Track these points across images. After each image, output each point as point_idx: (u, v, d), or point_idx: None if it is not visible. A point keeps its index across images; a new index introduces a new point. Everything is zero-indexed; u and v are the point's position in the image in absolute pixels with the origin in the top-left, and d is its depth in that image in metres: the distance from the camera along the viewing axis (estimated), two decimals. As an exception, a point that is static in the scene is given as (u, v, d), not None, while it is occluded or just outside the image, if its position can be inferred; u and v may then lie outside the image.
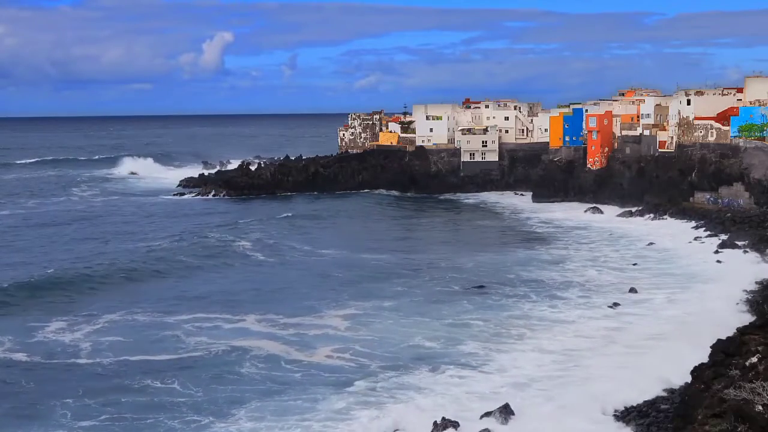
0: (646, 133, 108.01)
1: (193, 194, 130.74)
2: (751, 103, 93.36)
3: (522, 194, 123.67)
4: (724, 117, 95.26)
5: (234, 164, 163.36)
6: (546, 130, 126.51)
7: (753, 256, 68.63)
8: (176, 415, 38.25)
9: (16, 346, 48.67)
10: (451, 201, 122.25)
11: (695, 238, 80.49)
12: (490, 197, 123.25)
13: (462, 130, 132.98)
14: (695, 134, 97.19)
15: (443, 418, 35.71)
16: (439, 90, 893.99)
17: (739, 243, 73.11)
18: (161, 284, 65.81)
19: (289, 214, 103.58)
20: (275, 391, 41.15)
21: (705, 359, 37.00)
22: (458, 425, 35.29)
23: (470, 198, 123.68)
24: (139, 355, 46.90)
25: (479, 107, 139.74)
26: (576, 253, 77.16)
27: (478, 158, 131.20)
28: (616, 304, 56.63)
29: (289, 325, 52.88)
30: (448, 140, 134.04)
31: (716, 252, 72.23)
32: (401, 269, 70.71)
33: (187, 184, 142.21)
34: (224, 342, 49.17)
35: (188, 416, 38.26)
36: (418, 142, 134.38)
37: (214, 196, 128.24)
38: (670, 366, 42.12)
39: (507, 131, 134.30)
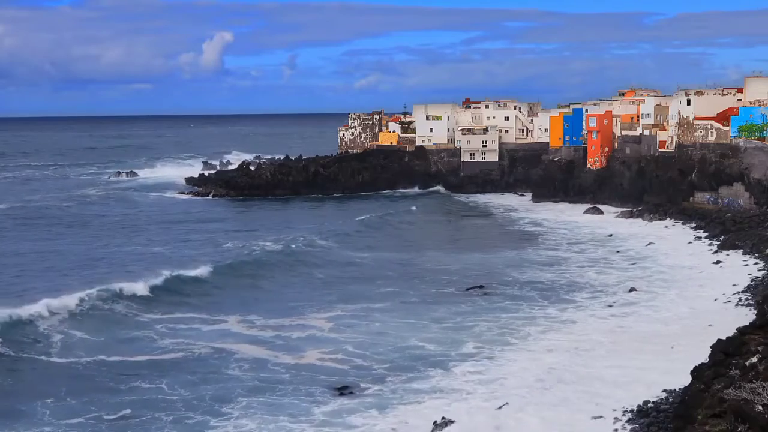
0: (646, 133, 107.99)
1: (193, 194, 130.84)
2: (751, 103, 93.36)
3: (522, 194, 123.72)
4: (724, 117, 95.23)
5: (234, 164, 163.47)
6: (546, 130, 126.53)
7: (753, 256, 68.58)
8: (172, 413, 38.07)
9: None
10: (450, 200, 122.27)
11: (695, 238, 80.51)
12: (490, 197, 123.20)
13: (462, 130, 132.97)
14: (695, 134, 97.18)
15: (443, 418, 35.71)
16: (439, 90, 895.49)
17: (739, 243, 73.06)
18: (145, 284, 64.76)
19: (363, 217, 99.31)
20: (267, 391, 40.89)
21: (705, 359, 36.99)
22: (459, 425, 35.28)
23: (470, 198, 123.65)
24: (116, 356, 46.49)
25: (479, 107, 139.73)
26: (575, 254, 77.16)
27: (478, 158, 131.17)
28: (615, 304, 56.67)
29: (270, 326, 52.56)
30: (448, 140, 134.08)
31: (716, 252, 72.26)
32: (410, 270, 70.93)
33: (187, 184, 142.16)
34: (214, 342, 49.04)
35: (182, 413, 38.17)
36: (418, 142, 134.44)
37: (213, 196, 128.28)
38: (670, 366, 42.16)
39: (507, 131, 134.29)
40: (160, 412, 38.22)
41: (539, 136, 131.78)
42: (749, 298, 54.43)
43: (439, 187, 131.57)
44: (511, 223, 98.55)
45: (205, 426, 36.87)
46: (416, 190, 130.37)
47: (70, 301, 54.64)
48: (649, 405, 36.47)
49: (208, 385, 41.73)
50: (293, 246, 79.27)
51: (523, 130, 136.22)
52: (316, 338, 50.15)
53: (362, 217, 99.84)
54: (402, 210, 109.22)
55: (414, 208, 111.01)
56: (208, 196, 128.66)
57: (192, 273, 65.24)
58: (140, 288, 59.28)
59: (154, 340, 49.76)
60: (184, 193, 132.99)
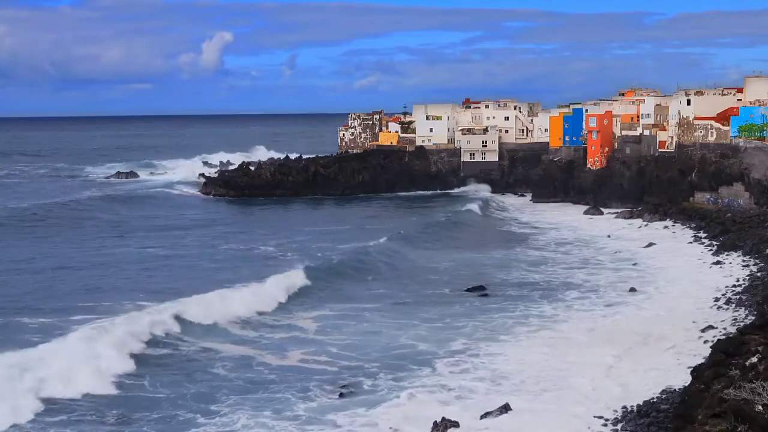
0: (646, 133, 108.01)
1: (202, 192, 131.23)
2: (751, 103, 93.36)
3: (522, 194, 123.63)
4: (724, 117, 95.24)
5: (234, 164, 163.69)
6: (546, 130, 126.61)
7: (753, 256, 68.55)
8: (158, 411, 38.09)
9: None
10: (450, 201, 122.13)
11: (695, 239, 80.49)
12: (490, 197, 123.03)
13: (462, 130, 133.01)
14: (695, 134, 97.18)
15: (443, 418, 35.67)
16: (439, 90, 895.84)
17: (739, 243, 73.04)
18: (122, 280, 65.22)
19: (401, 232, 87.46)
20: (254, 392, 40.69)
21: (705, 359, 37.02)
22: (458, 425, 35.28)
23: (470, 197, 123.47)
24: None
25: (479, 107, 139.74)
26: (575, 254, 77.18)
27: (478, 158, 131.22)
28: (615, 304, 56.68)
29: (258, 326, 52.64)
30: (448, 140, 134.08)
31: (716, 252, 72.22)
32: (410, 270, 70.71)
33: (186, 184, 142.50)
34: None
35: (168, 411, 38.20)
36: (418, 142, 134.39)
37: (214, 195, 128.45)
38: (669, 366, 42.23)
39: (507, 131, 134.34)
40: (144, 410, 38.15)
41: (539, 136, 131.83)
42: (749, 298, 54.42)
43: (478, 186, 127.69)
44: (509, 223, 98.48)
45: (191, 424, 36.80)
46: (414, 192, 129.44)
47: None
48: (649, 405, 36.49)
49: (192, 384, 41.73)
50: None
51: (523, 130, 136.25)
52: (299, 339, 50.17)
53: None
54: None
55: (472, 207, 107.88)
56: (209, 195, 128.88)
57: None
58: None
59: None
60: (186, 192, 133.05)
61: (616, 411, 36.40)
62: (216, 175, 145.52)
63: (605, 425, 35.18)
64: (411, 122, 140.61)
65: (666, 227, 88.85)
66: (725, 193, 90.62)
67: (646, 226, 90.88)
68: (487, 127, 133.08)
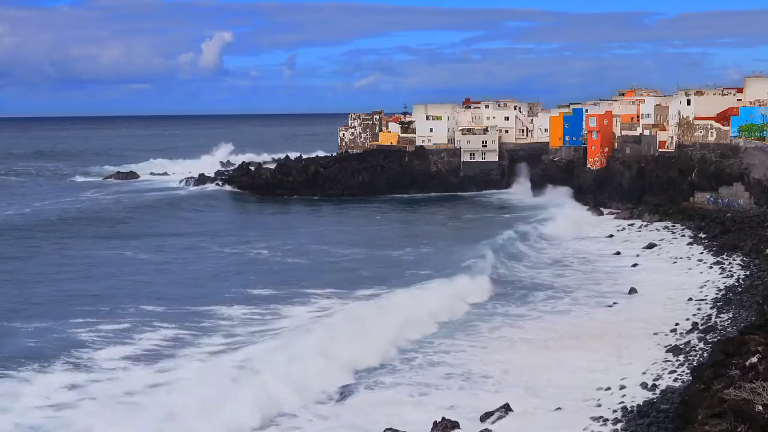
0: (646, 133, 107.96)
1: (195, 190, 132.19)
2: (751, 103, 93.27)
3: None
4: (724, 117, 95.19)
5: (234, 164, 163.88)
6: (546, 130, 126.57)
7: (752, 256, 68.50)
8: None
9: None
10: (452, 201, 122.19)
11: (695, 239, 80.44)
12: (491, 197, 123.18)
13: (462, 130, 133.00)
14: (695, 134, 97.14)
15: (443, 418, 35.65)
16: (439, 90, 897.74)
17: (739, 243, 72.97)
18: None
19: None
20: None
21: (705, 359, 36.99)
22: (458, 425, 35.26)
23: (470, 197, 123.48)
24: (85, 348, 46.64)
25: (479, 107, 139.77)
26: (575, 254, 77.12)
27: (478, 158, 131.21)
28: (615, 304, 56.68)
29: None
30: (448, 140, 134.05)
31: (716, 252, 72.18)
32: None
33: (188, 183, 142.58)
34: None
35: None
36: (418, 142, 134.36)
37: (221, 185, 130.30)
38: (669, 366, 42.20)
39: (507, 131, 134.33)
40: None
41: (539, 136, 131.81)
42: (749, 298, 54.38)
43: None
44: (513, 225, 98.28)
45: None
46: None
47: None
48: (649, 405, 36.48)
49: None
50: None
51: (523, 130, 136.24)
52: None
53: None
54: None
55: None
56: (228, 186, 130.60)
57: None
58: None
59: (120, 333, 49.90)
60: (189, 192, 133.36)
61: (616, 411, 36.39)
62: (215, 175, 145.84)
63: (605, 425, 35.17)
64: (411, 122, 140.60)
65: (666, 227, 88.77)
66: (725, 193, 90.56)
67: (646, 226, 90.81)
68: (487, 127, 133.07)
